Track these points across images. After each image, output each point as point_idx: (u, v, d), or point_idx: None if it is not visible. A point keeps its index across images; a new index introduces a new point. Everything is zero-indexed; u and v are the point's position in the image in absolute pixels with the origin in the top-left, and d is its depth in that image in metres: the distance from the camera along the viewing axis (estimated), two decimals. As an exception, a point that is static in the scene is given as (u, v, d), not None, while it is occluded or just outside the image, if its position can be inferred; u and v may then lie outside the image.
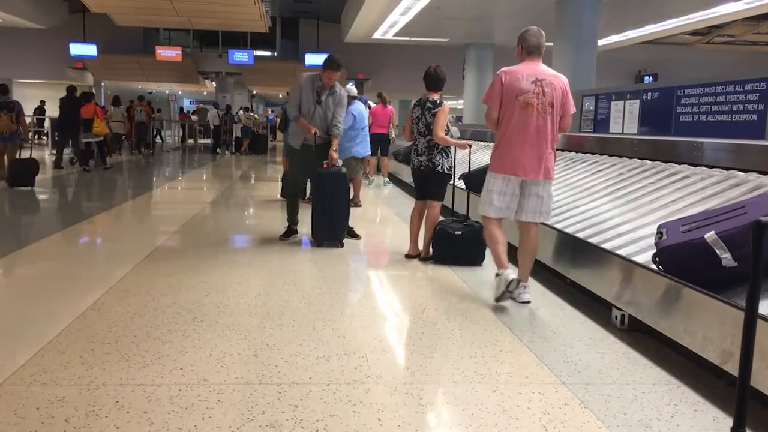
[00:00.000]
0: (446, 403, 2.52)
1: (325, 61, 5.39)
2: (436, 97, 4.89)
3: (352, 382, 2.62)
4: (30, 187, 8.97)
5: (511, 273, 3.75)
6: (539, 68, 3.75)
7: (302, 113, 5.43)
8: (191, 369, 2.70)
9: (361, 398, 2.46)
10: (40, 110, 22.49)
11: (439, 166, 4.88)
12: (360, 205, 8.08)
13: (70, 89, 12.50)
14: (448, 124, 4.92)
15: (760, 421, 2.35)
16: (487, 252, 4.48)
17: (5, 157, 9.50)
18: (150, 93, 28.58)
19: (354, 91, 8.60)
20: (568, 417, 2.36)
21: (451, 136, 4.98)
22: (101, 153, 12.53)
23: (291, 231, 5.75)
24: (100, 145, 12.49)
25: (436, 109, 4.80)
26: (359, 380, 2.63)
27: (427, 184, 5.04)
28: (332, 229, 5.47)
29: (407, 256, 5.12)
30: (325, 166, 5.43)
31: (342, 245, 5.43)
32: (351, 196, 8.19)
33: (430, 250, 4.99)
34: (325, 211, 5.43)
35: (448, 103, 5.01)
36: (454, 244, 4.80)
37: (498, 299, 3.76)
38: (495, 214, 3.85)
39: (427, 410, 2.45)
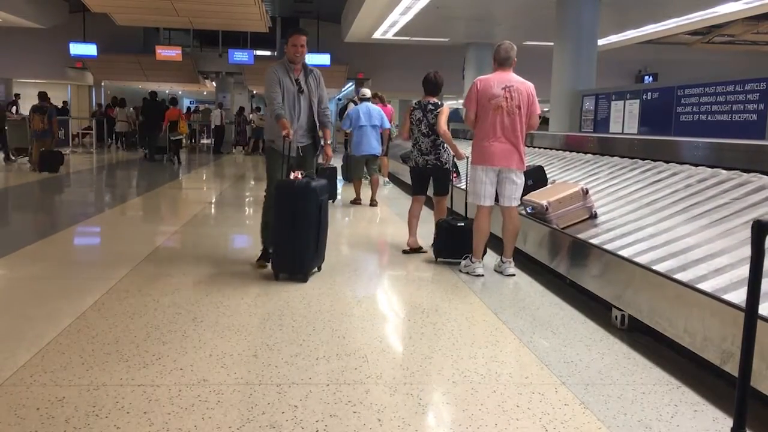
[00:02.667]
0: (446, 403, 2.52)
1: (288, 33, 4.59)
2: (436, 99, 5.21)
3: (352, 382, 2.62)
4: (55, 173, 11.25)
5: (480, 268, 4.48)
6: (508, 76, 4.43)
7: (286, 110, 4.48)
8: (191, 369, 2.70)
9: (361, 399, 2.46)
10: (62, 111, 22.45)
11: (447, 164, 5.19)
12: (360, 203, 8.18)
13: (152, 94, 15.47)
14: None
15: (760, 421, 2.35)
16: (487, 249, 4.72)
17: (36, 150, 11.72)
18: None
19: (368, 93, 8.56)
20: (568, 417, 2.36)
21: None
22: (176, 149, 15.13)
23: (267, 254, 4.57)
24: (177, 143, 14.97)
25: (438, 110, 5.10)
26: (359, 381, 2.64)
27: (431, 181, 5.29)
28: (294, 259, 4.22)
29: (405, 251, 5.24)
30: (297, 177, 4.21)
31: (305, 280, 4.21)
32: (354, 197, 8.31)
33: None
34: (287, 235, 4.18)
35: (448, 104, 5.28)
36: (454, 235, 4.84)
37: (462, 270, 4.58)
38: (486, 202, 4.44)
39: (427, 411, 2.45)
